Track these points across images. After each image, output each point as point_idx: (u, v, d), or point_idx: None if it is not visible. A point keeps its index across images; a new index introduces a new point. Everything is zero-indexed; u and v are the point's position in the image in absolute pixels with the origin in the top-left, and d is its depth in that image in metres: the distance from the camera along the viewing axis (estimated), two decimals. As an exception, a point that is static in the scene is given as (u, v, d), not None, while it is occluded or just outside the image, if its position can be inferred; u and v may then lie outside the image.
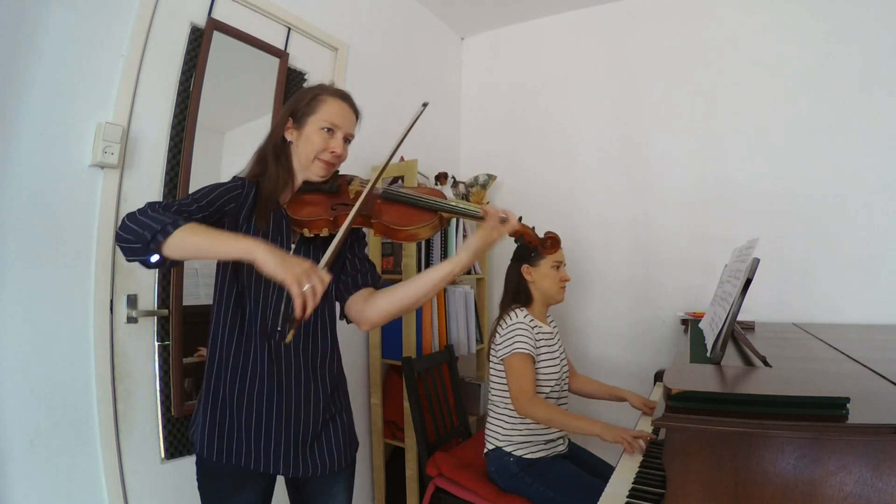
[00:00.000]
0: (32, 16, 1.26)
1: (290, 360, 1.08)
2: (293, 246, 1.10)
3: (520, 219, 1.16)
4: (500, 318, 1.75)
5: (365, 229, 1.18)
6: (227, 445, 1.06)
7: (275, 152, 1.12)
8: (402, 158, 2.35)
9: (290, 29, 1.94)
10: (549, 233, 1.20)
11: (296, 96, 1.16)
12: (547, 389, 1.69)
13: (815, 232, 2.12)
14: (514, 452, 1.64)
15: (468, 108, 3.06)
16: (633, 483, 1.17)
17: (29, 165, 1.26)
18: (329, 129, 1.11)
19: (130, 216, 0.93)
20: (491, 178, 2.71)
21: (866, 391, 0.88)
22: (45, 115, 1.28)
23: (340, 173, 1.20)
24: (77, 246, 1.35)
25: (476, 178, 2.71)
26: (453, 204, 1.14)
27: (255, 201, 1.09)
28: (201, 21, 1.64)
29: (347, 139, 1.15)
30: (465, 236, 2.55)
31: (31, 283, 1.26)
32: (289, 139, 1.13)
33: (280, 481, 1.18)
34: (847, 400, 0.72)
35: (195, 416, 1.13)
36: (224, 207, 1.06)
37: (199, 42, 1.63)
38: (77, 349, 1.34)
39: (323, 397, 1.12)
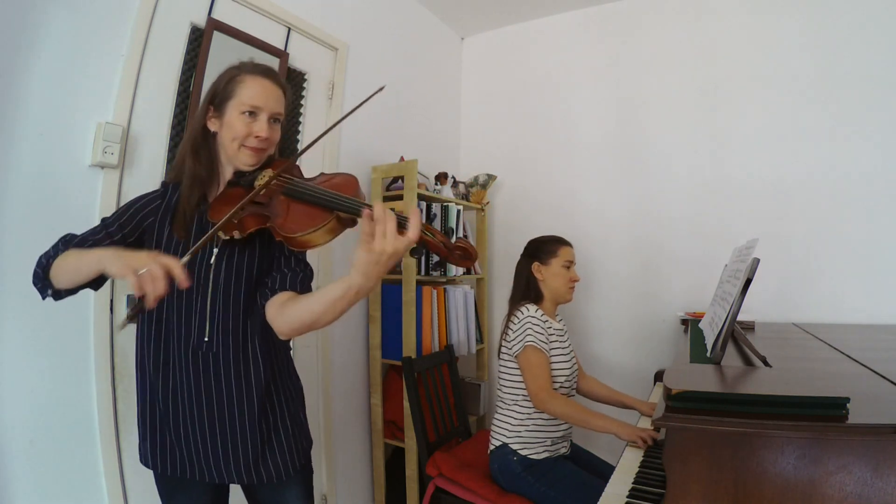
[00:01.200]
0: (33, 16, 1.26)
1: (220, 371, 1.02)
2: (216, 251, 1.02)
3: (432, 220, 0.95)
4: (511, 314, 1.75)
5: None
6: (169, 459, 1.04)
7: (193, 147, 1.03)
8: (401, 158, 2.35)
9: (290, 29, 1.94)
10: (460, 240, 0.95)
11: (215, 81, 1.04)
12: (556, 385, 1.69)
13: (816, 232, 2.12)
14: (519, 451, 1.64)
15: (468, 108, 3.06)
16: (633, 483, 1.16)
17: (29, 165, 1.26)
18: (251, 113, 1.00)
19: (40, 257, 0.98)
20: (491, 178, 2.71)
21: (866, 391, 0.88)
22: (45, 115, 1.28)
23: (275, 158, 1.10)
24: (77, 246, 1.35)
25: (476, 178, 2.71)
26: (350, 201, 0.92)
27: (175, 207, 1.02)
28: (201, 21, 1.64)
29: (275, 119, 1.04)
30: (465, 235, 2.55)
31: (31, 283, 1.26)
32: (213, 129, 1.03)
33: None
34: (847, 400, 0.71)
35: (137, 424, 1.10)
36: (142, 224, 1.02)
37: (199, 42, 1.63)
38: (77, 349, 1.34)
39: (258, 406, 1.04)
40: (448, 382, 2.21)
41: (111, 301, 1.42)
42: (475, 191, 2.70)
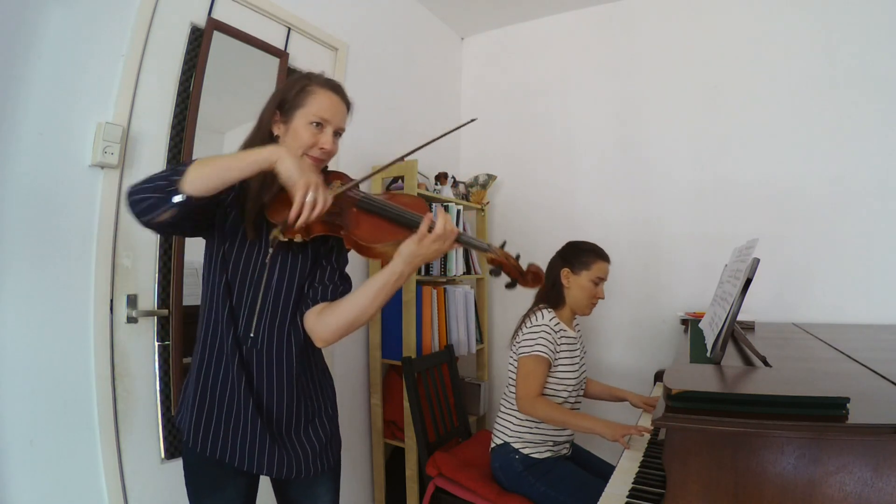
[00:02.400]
0: (32, 16, 1.26)
1: (263, 366, 1.06)
2: (270, 251, 1.06)
3: (503, 245, 1.05)
4: (527, 315, 1.73)
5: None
6: (211, 438, 1.05)
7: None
8: (402, 158, 2.35)
9: (290, 29, 1.94)
10: (531, 265, 1.05)
11: (283, 86, 1.09)
12: (564, 394, 1.67)
13: (815, 232, 2.12)
14: (521, 450, 1.63)
15: (468, 108, 3.06)
16: (633, 483, 1.16)
17: (29, 165, 1.26)
18: (318, 124, 1.04)
19: (135, 185, 0.92)
20: (491, 178, 2.71)
21: (866, 391, 0.88)
22: (45, 115, 1.28)
23: (329, 170, 1.15)
24: (77, 246, 1.35)
25: (476, 178, 2.71)
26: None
27: (242, 200, 1.06)
28: (201, 21, 1.64)
29: (338, 133, 1.09)
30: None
31: (32, 284, 1.26)
32: (276, 133, 1.07)
33: (266, 483, 1.17)
34: (847, 400, 0.72)
35: (182, 403, 1.12)
36: (219, 195, 1.00)
37: (199, 42, 1.63)
38: (77, 349, 1.34)
39: (297, 399, 1.09)
40: (448, 382, 2.21)
41: (111, 301, 1.42)
42: (475, 191, 2.70)
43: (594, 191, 2.62)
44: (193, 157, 1.57)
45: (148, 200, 0.90)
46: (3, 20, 1.20)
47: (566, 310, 1.75)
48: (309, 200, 0.90)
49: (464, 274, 2.54)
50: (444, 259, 2.33)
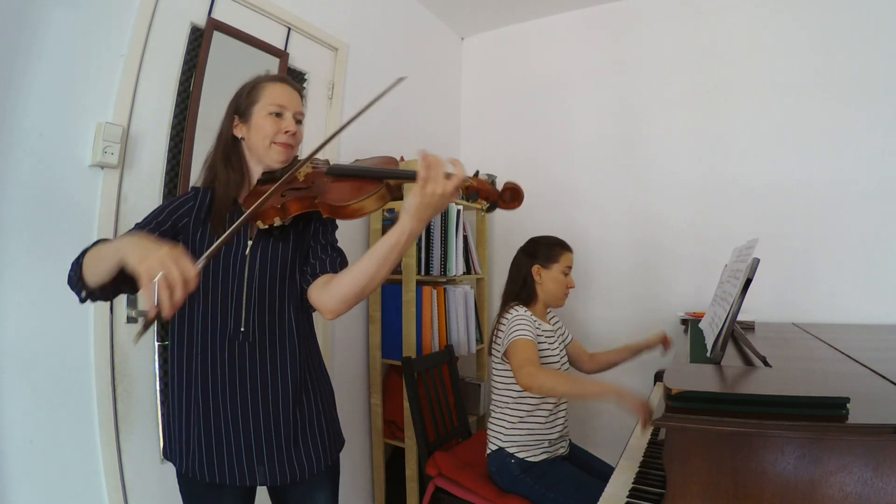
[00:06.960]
0: (33, 15, 1.26)
1: (255, 360, 1.04)
2: (250, 243, 1.06)
3: (476, 173, 1.02)
4: (501, 315, 1.74)
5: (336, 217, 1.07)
6: (197, 463, 1.03)
7: (224, 154, 1.09)
8: (401, 158, 2.35)
9: (290, 29, 1.94)
10: (508, 183, 1.00)
11: (235, 94, 1.13)
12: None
13: (816, 231, 2.12)
14: (516, 454, 1.63)
15: (468, 108, 3.06)
16: (633, 483, 1.16)
17: (29, 165, 1.26)
18: (277, 113, 1.07)
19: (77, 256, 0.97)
20: (491, 177, 2.71)
21: (866, 391, 0.88)
22: (46, 115, 1.28)
23: (300, 158, 1.15)
24: (77, 246, 1.33)
25: (476, 178, 2.70)
26: (397, 170, 1.04)
27: (210, 208, 1.07)
28: (201, 21, 1.64)
29: (298, 119, 1.11)
30: (465, 236, 2.55)
31: (31, 283, 1.26)
32: (239, 136, 1.10)
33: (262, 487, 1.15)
34: (847, 400, 0.72)
35: (166, 427, 1.10)
36: (177, 224, 1.05)
37: (199, 42, 1.63)
38: (77, 349, 1.34)
39: (292, 396, 1.06)
40: (448, 382, 2.21)
41: (111, 301, 1.41)
42: (475, 191, 2.69)
43: (594, 190, 2.62)
44: (192, 161, 1.59)
45: (72, 285, 0.96)
46: (3, 20, 1.20)
47: (539, 305, 1.78)
48: (158, 282, 0.73)
49: (464, 274, 2.54)
50: (445, 259, 2.33)
